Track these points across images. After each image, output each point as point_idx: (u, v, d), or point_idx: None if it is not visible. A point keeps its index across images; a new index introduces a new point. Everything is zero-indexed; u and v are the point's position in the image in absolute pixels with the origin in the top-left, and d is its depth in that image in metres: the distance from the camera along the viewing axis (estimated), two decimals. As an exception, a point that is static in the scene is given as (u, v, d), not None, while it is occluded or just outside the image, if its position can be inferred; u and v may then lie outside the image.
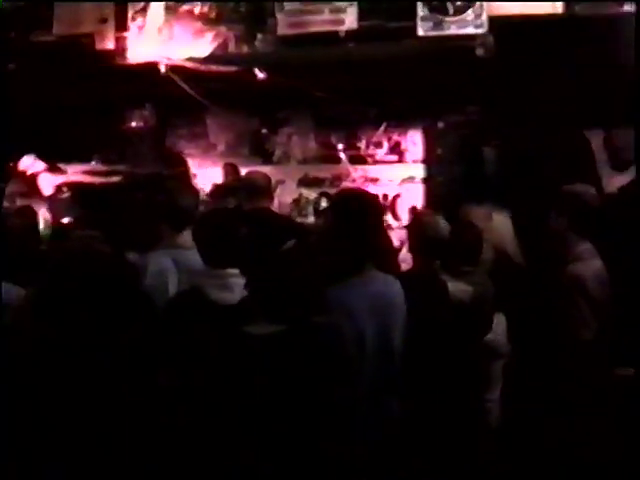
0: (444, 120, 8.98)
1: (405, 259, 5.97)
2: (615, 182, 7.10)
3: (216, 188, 8.53)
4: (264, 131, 10.13)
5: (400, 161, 9.76)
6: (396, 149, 9.78)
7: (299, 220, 8.94)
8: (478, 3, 6.84)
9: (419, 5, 6.91)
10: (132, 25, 7.73)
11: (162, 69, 7.72)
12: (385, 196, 9.22)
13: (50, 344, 2.98)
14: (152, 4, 7.63)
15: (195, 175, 9.63)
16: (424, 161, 9.47)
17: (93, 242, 3.81)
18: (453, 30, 6.92)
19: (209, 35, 7.52)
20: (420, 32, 6.94)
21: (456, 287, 4.88)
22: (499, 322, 5.40)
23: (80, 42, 7.82)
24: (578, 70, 7.15)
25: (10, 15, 7.07)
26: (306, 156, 10.10)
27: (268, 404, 3.14)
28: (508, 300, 5.39)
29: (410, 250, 5.14)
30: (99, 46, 7.75)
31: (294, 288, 3.46)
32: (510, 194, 7.06)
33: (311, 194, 9.79)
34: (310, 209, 9.71)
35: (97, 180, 8.55)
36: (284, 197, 9.59)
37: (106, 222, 4.61)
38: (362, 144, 9.91)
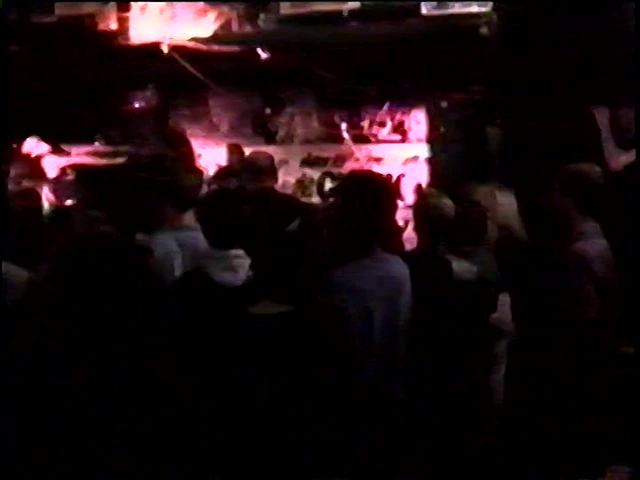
0: (448, 99, 8.95)
1: (409, 238, 5.97)
2: (620, 160, 7.09)
3: (220, 169, 8.51)
4: (267, 111, 10.12)
5: (404, 140, 9.74)
6: (399, 128, 9.76)
7: (303, 200, 8.91)
8: (482, -19, 6.82)
9: (422, -17, 6.89)
10: (134, 5, 7.70)
11: (165, 49, 7.71)
12: (389, 176, 9.19)
13: (58, 327, 2.97)
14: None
15: (198, 155, 9.62)
16: (428, 140, 9.43)
17: (98, 223, 3.82)
18: (457, 8, 6.90)
19: (212, 15, 7.50)
20: (423, 11, 6.92)
21: (461, 266, 4.88)
22: (503, 301, 5.40)
23: (82, 23, 7.79)
24: (583, 47, 7.11)
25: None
26: (309, 136, 10.09)
27: (272, 385, 3.15)
28: (512, 279, 5.39)
29: (415, 230, 5.13)
30: (101, 27, 7.73)
31: (299, 268, 3.45)
32: (514, 173, 7.04)
33: (314, 174, 9.78)
34: (313, 189, 9.70)
35: (100, 161, 8.54)
36: (287, 177, 9.56)
37: (110, 203, 4.61)
38: (365, 123, 9.89)
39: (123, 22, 7.72)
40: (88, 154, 9.23)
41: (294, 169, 9.79)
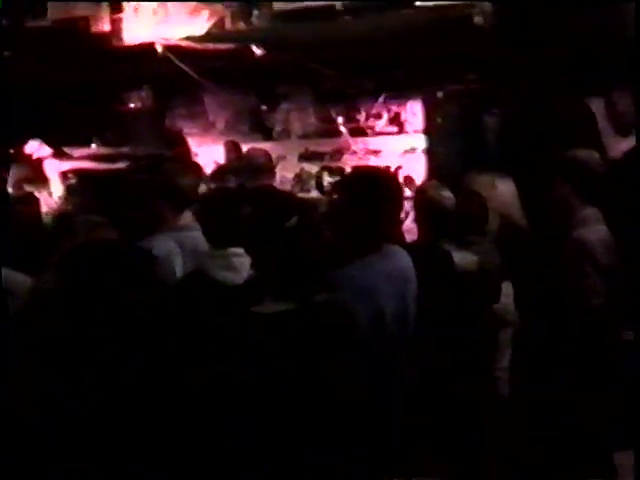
0: (444, 90, 8.94)
1: (408, 229, 5.97)
2: (619, 147, 7.08)
3: (217, 167, 8.52)
4: (263, 107, 10.11)
5: (400, 132, 9.72)
6: (396, 120, 9.74)
7: (301, 195, 8.92)
8: (475, -31, 6.80)
9: (415, -26, 6.86)
10: (127, 6, 7.69)
11: (159, 49, 7.69)
12: (387, 168, 9.18)
13: (61, 333, 2.97)
14: (147, -16, 7.60)
15: (196, 154, 9.61)
16: (425, 131, 9.42)
17: (100, 228, 3.81)
18: (450, -2, 6.87)
19: (205, 13, 7.49)
20: (417, 2, 6.89)
21: (462, 257, 4.88)
22: (506, 290, 5.40)
23: (76, 25, 7.78)
24: (578, 34, 7.09)
25: (5, 2, 7.03)
26: (306, 131, 10.08)
27: (277, 384, 3.14)
28: (514, 268, 5.39)
29: (415, 222, 5.14)
30: (95, 29, 7.72)
31: (300, 265, 3.44)
32: (513, 161, 7.03)
33: (312, 168, 9.77)
34: (312, 183, 9.69)
35: (97, 164, 8.53)
36: (285, 172, 9.56)
37: (110, 207, 4.60)
38: (362, 116, 9.88)
39: (116, 23, 7.71)
40: (85, 157, 9.21)
41: (292, 164, 9.78)
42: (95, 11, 7.72)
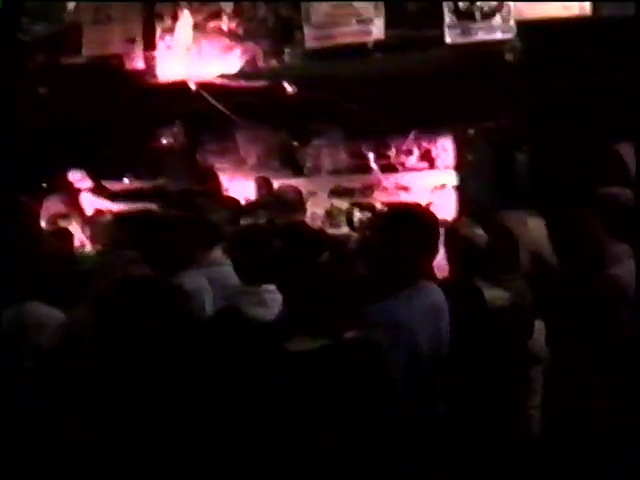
0: (474, 126, 8.95)
1: (438, 266, 5.94)
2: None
3: (248, 202, 8.56)
4: (294, 143, 10.17)
5: (431, 168, 9.74)
6: (426, 156, 9.77)
7: (331, 231, 8.93)
8: (505, 8, 6.81)
9: (446, 12, 6.88)
10: (160, 44, 7.78)
11: (191, 86, 7.77)
12: (424, 204, 9.19)
13: (95, 369, 2.99)
14: (180, 22, 7.68)
15: (227, 189, 9.67)
16: (455, 168, 9.44)
17: (135, 265, 3.83)
18: (481, 36, 6.89)
19: (237, 51, 7.56)
20: (448, 40, 6.92)
21: (494, 294, 4.85)
22: (538, 327, 5.36)
23: (110, 62, 7.89)
24: (608, 73, 7.09)
25: (41, 40, 7.16)
26: (337, 167, 10.13)
27: (309, 422, 3.12)
28: (546, 304, 5.36)
29: (446, 259, 5.11)
30: (128, 66, 7.82)
31: (332, 301, 3.43)
32: (543, 199, 7.01)
33: (343, 204, 9.79)
34: (342, 219, 9.70)
35: (130, 199, 8.60)
36: (316, 208, 9.59)
37: (141, 242, 4.62)
38: (392, 152, 9.91)
39: (150, 61, 7.80)
40: (119, 192, 9.30)
41: (322, 200, 9.82)
42: (129, 48, 7.81)
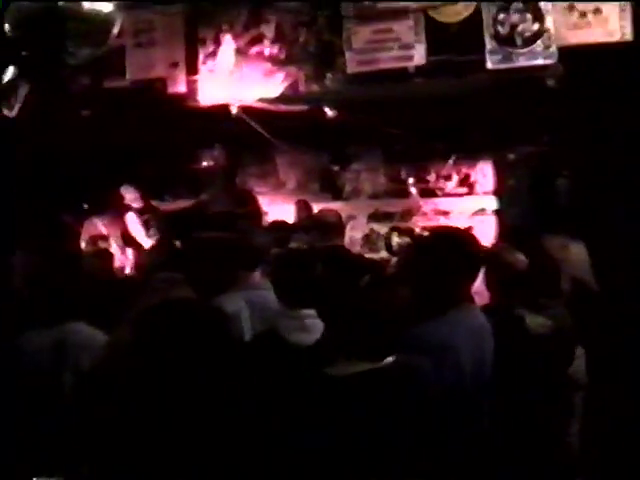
0: (515, 151, 8.93)
1: (478, 292, 5.92)
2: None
3: (288, 226, 8.59)
4: (334, 167, 10.20)
5: (470, 193, 9.73)
6: (466, 181, 9.76)
7: (370, 255, 8.93)
8: (547, 33, 6.80)
9: (487, 38, 6.88)
10: (203, 68, 7.85)
11: (233, 110, 7.82)
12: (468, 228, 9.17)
13: (135, 391, 3.00)
14: (222, 47, 7.75)
15: (266, 213, 9.71)
16: (495, 193, 9.43)
17: (178, 286, 3.86)
18: (522, 62, 6.87)
19: (279, 75, 7.60)
20: (489, 65, 6.91)
21: (536, 321, 4.82)
22: (578, 354, 5.32)
23: (153, 86, 7.97)
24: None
25: (86, 63, 7.24)
26: (376, 191, 10.15)
27: (352, 448, 3.11)
28: (586, 331, 5.31)
29: (486, 284, 5.09)
30: (171, 90, 7.89)
31: (374, 325, 3.42)
32: (584, 224, 6.97)
33: (382, 229, 9.80)
34: (381, 244, 9.70)
35: (172, 221, 8.68)
36: (354, 233, 9.62)
37: (186, 264, 4.65)
38: (432, 177, 9.91)
39: (192, 85, 7.87)
40: (160, 213, 9.39)
41: (361, 224, 9.84)
42: (172, 72, 7.89)
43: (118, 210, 9.44)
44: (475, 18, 6.93)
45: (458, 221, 9.28)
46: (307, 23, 7.53)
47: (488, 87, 7.20)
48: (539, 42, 6.82)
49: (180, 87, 7.89)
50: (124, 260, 8.70)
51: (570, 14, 6.76)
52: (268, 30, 7.69)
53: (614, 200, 7.44)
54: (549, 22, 6.79)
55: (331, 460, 3.12)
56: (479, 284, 5.32)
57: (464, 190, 9.78)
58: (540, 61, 6.85)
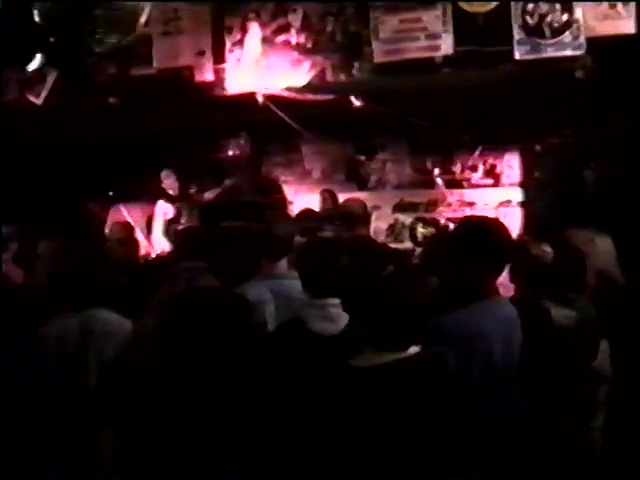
0: (542, 143, 8.88)
1: (504, 284, 5.89)
2: None
3: (314, 216, 8.59)
4: (360, 157, 10.19)
5: (496, 185, 9.69)
6: (492, 172, 9.72)
7: (395, 245, 8.92)
8: (576, 24, 6.75)
9: (515, 28, 6.84)
10: (230, 57, 7.85)
11: (259, 99, 7.82)
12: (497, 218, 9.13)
13: (162, 376, 3.02)
14: (249, 36, 7.74)
15: (291, 202, 9.71)
16: (521, 184, 9.38)
17: (203, 275, 3.86)
18: (550, 53, 6.82)
19: (306, 65, 7.58)
20: (517, 56, 6.87)
21: (560, 313, 4.80)
22: (603, 347, 5.29)
23: (180, 74, 7.98)
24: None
25: (113, 51, 7.27)
26: (401, 181, 10.13)
27: (377, 439, 3.11)
28: (611, 324, 5.28)
29: (512, 277, 5.07)
30: (198, 78, 7.90)
31: (399, 315, 3.41)
32: (611, 217, 6.92)
33: (407, 219, 9.78)
34: (406, 234, 9.69)
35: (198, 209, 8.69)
36: (379, 223, 9.60)
37: (208, 253, 4.64)
38: (457, 168, 9.88)
39: (219, 73, 7.87)
40: (185, 201, 9.42)
41: (386, 215, 9.82)
42: (198, 61, 7.89)
43: (146, 198, 9.49)
44: (503, 8, 6.89)
45: (484, 212, 9.24)
46: (334, 12, 7.51)
47: (515, 78, 7.15)
48: (567, 33, 6.77)
49: (206, 75, 7.90)
50: (150, 248, 8.74)
51: (599, 4, 6.71)
52: (295, 19, 7.68)
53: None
54: (578, 13, 6.74)
55: (353, 450, 3.12)
56: (503, 276, 5.30)
57: (490, 181, 9.75)
58: (568, 52, 6.80)
